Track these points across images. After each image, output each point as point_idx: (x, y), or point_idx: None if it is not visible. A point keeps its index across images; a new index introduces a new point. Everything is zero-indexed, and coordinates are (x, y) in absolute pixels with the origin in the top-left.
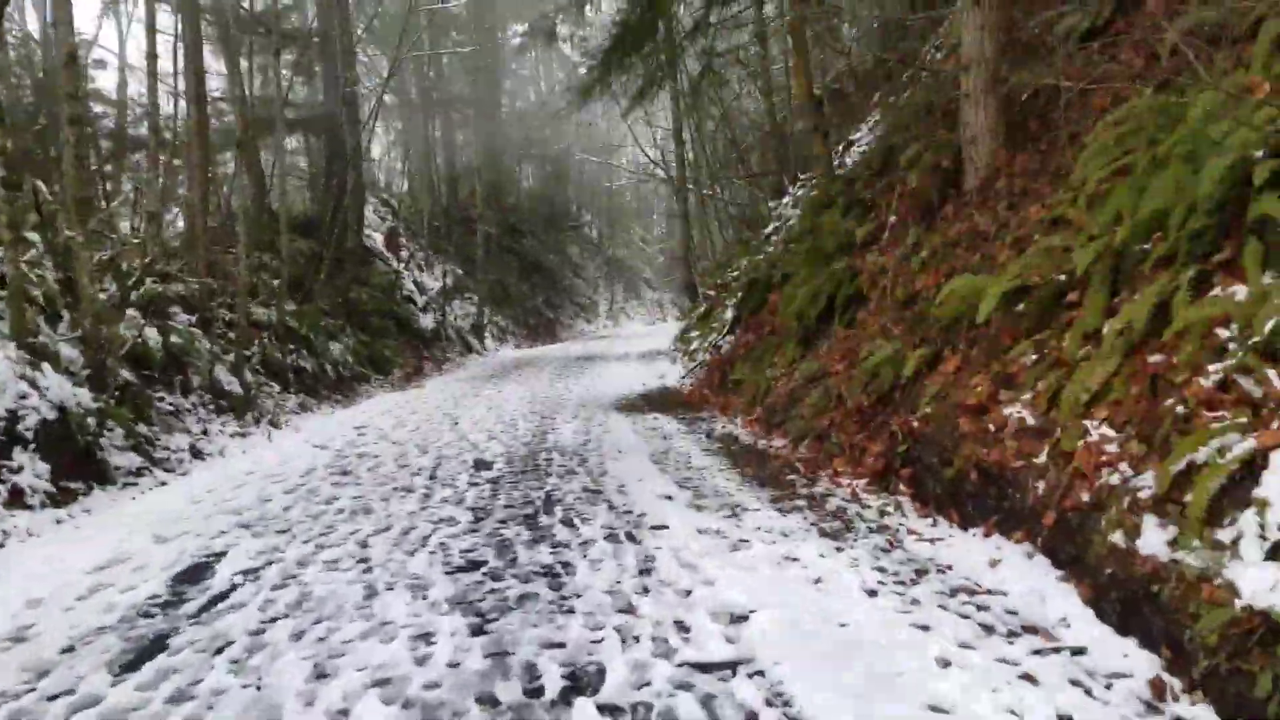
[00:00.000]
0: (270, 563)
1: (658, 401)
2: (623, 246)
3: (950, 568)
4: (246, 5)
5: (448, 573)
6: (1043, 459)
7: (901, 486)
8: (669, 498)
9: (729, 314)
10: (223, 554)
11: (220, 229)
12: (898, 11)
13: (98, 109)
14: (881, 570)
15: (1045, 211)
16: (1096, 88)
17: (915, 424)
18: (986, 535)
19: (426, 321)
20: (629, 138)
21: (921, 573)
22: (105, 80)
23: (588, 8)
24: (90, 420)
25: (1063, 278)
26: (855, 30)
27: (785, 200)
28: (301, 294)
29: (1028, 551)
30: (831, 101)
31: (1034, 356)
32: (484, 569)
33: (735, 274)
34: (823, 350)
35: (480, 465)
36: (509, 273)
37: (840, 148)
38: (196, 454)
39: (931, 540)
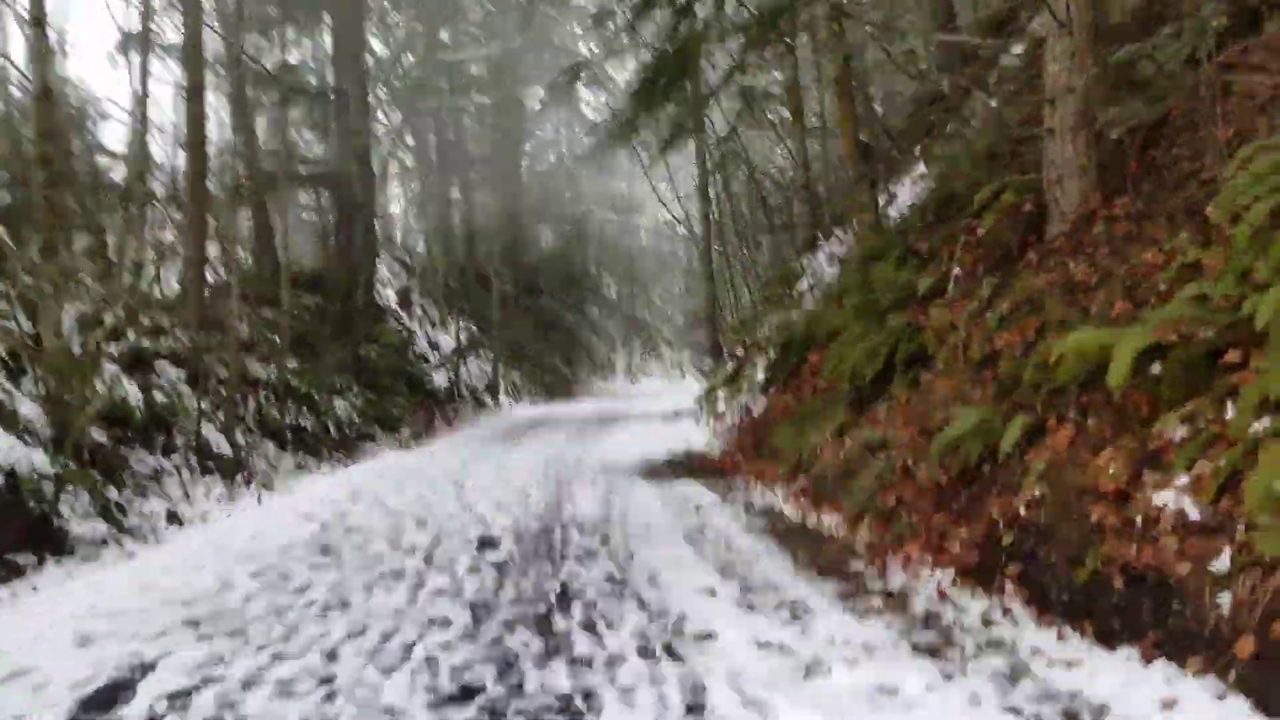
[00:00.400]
0: (207, 681)
1: (685, 467)
2: (642, 306)
3: (1108, 709)
4: (253, 56)
5: (432, 704)
6: (1223, 564)
7: (1010, 587)
8: (712, 592)
9: (760, 374)
10: (152, 666)
11: (222, 283)
12: (956, 39)
13: (103, 161)
14: (1015, 713)
15: (1167, 258)
16: (1220, 117)
17: (1022, 509)
18: (1145, 660)
19: (439, 380)
20: (650, 197)
21: (1072, 717)
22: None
23: (608, 64)
24: (47, 485)
25: (1210, 334)
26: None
27: (819, 255)
28: (307, 351)
29: (1216, 690)
30: (867, 159)
31: (1183, 431)
32: (480, 699)
33: (765, 332)
34: (881, 415)
35: (485, 544)
36: (525, 331)
37: (882, 201)
38: (175, 519)
39: (1068, 664)
